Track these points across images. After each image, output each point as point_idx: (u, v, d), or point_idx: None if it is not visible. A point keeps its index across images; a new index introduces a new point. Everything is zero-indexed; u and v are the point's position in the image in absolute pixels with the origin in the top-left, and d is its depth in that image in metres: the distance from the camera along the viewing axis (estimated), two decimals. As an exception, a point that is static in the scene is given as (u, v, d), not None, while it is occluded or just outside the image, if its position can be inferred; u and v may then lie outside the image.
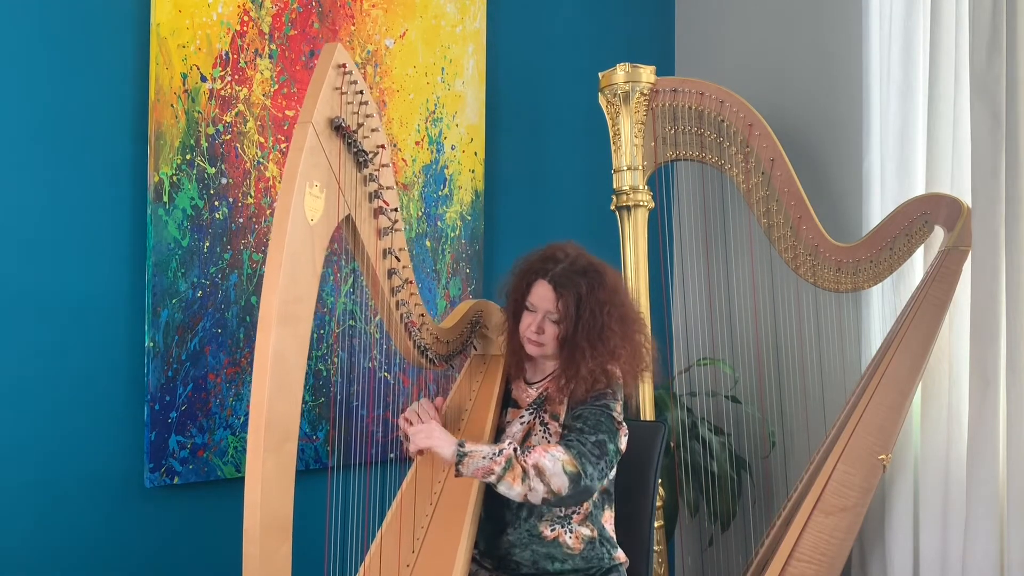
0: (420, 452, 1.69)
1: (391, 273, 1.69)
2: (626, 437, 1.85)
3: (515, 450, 1.67)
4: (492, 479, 1.65)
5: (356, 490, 1.80)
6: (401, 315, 1.76)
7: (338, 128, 1.45)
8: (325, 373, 2.47)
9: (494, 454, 1.65)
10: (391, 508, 1.82)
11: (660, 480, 2.22)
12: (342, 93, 1.46)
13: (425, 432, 1.66)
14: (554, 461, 1.67)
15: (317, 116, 1.40)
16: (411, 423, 1.85)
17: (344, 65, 1.45)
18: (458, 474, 1.65)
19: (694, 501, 2.87)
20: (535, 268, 1.88)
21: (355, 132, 1.49)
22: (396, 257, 1.67)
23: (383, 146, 1.58)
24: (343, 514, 1.75)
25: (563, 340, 1.85)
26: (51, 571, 2.08)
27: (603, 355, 1.81)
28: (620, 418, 1.83)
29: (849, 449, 2.41)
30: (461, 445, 1.65)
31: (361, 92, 1.49)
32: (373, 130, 1.55)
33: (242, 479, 2.34)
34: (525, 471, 1.65)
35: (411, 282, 1.75)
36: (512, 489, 1.65)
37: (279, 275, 1.33)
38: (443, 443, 1.65)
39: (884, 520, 2.64)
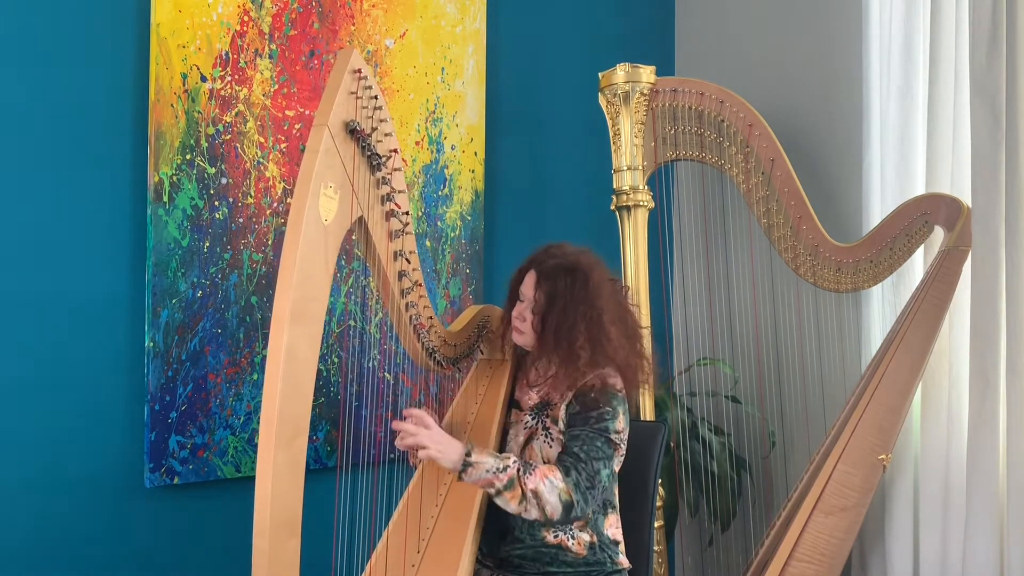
0: (416, 450, 1.68)
1: (401, 275, 1.71)
2: (622, 457, 1.86)
3: (519, 470, 1.69)
4: (491, 491, 1.69)
5: (355, 490, 1.80)
6: (410, 317, 1.78)
7: (353, 132, 1.48)
8: (325, 373, 2.47)
9: (498, 469, 1.68)
10: (397, 508, 1.82)
11: (660, 480, 2.22)
12: (357, 98, 1.49)
13: (428, 437, 1.66)
14: (551, 490, 1.71)
15: (333, 119, 1.44)
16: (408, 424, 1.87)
17: (360, 71, 1.49)
18: (460, 479, 1.67)
19: (694, 501, 2.87)
20: (532, 258, 1.94)
21: (369, 136, 1.52)
22: (407, 259, 1.70)
23: (396, 150, 1.60)
24: (343, 514, 1.75)
25: (537, 330, 1.88)
26: (51, 571, 2.08)
27: (564, 351, 1.83)
28: (619, 439, 1.83)
29: (849, 449, 2.41)
30: (468, 454, 1.67)
31: (376, 97, 1.53)
32: (386, 135, 1.58)
33: (242, 479, 2.35)
34: (524, 494, 1.69)
35: (420, 284, 1.77)
36: (508, 505, 1.70)
37: (293, 274, 1.36)
38: (448, 450, 1.66)
39: (884, 520, 2.64)
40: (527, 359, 2.03)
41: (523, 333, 1.91)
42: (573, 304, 1.83)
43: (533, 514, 1.70)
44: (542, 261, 1.90)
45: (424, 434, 1.66)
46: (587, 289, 1.85)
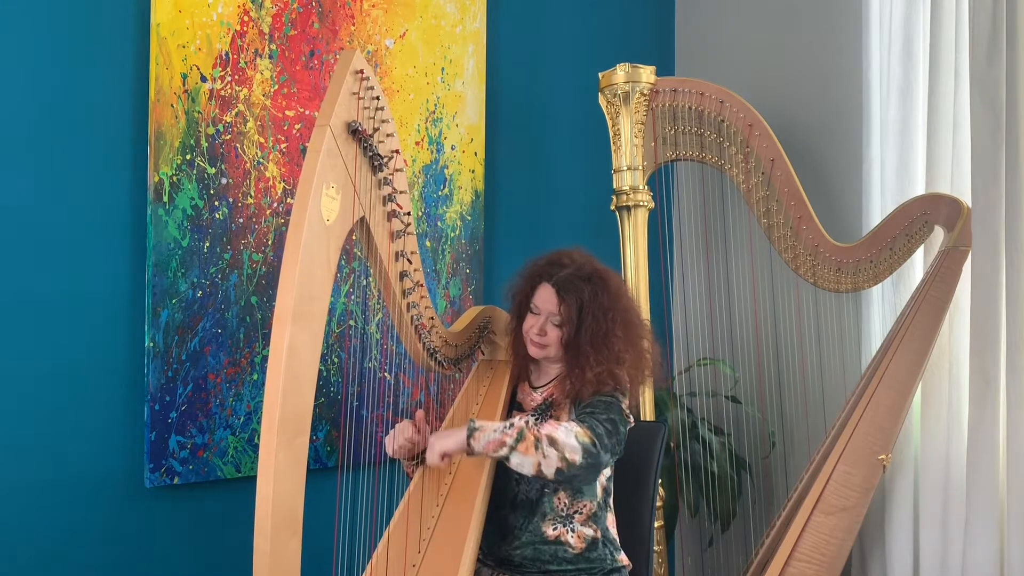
0: (444, 457, 1.67)
1: (403, 275, 1.71)
2: (625, 436, 1.85)
3: (526, 423, 1.67)
4: (504, 451, 1.64)
5: (355, 490, 1.80)
6: (412, 317, 1.78)
7: (355, 132, 1.49)
8: (325, 373, 2.47)
9: (505, 427, 1.66)
10: (398, 508, 1.82)
11: (660, 480, 2.22)
12: (359, 98, 1.50)
13: (434, 441, 1.67)
14: (567, 432, 1.66)
15: (335, 120, 1.44)
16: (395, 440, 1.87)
17: (362, 71, 1.49)
18: (471, 452, 1.65)
19: (694, 501, 2.87)
20: (540, 271, 1.91)
21: (371, 136, 1.52)
22: (408, 260, 1.70)
23: (397, 151, 1.61)
24: (343, 514, 1.75)
25: (567, 344, 1.86)
26: (51, 571, 2.08)
27: (608, 359, 1.83)
28: (626, 414, 1.84)
29: (849, 449, 2.41)
30: (472, 422, 1.66)
31: (377, 98, 1.53)
32: (388, 135, 1.58)
33: (242, 479, 2.35)
34: (538, 439, 1.64)
35: (421, 285, 1.78)
36: (525, 459, 1.63)
37: (295, 273, 1.36)
38: (450, 440, 1.66)
39: (884, 520, 2.64)
40: (531, 362, 2.02)
41: (545, 347, 1.89)
42: (603, 312, 1.83)
43: (553, 459, 1.62)
44: (554, 273, 1.87)
45: (431, 442, 1.67)
46: (610, 294, 1.85)
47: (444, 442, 1.66)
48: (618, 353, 1.83)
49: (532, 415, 1.94)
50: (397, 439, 1.84)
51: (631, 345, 1.86)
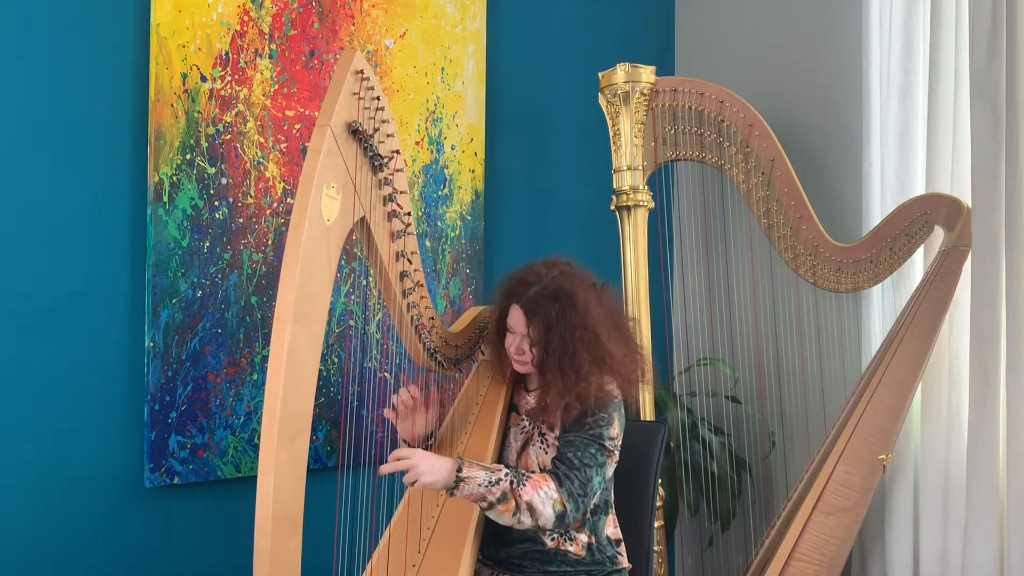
0: (411, 483, 1.65)
1: (403, 276, 1.71)
2: (615, 464, 1.86)
3: (512, 483, 1.68)
4: (483, 505, 1.68)
5: (355, 490, 1.80)
6: (412, 317, 1.78)
7: (355, 132, 1.49)
8: (325, 373, 2.47)
9: (491, 483, 1.66)
10: (398, 508, 1.82)
11: (660, 480, 2.22)
12: (360, 99, 1.50)
13: (412, 470, 1.62)
14: (545, 501, 1.70)
15: (335, 120, 1.45)
16: (397, 413, 1.90)
17: (362, 71, 1.50)
18: (451, 496, 1.66)
19: (694, 501, 2.87)
20: (510, 291, 1.90)
21: (371, 136, 1.53)
22: (408, 260, 1.70)
23: (398, 151, 1.61)
24: (343, 514, 1.75)
25: (538, 365, 1.86)
26: (51, 571, 2.08)
27: (574, 383, 1.81)
28: (613, 445, 1.83)
29: (849, 449, 2.41)
30: (459, 470, 1.64)
31: (378, 98, 1.53)
32: (389, 135, 1.58)
33: (242, 479, 2.35)
34: (518, 506, 1.68)
35: (422, 285, 1.77)
36: (501, 517, 1.69)
37: (295, 273, 1.37)
38: (435, 474, 1.62)
39: (884, 520, 2.64)
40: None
41: (527, 363, 1.89)
42: (569, 331, 1.82)
43: (526, 524, 1.70)
44: (522, 293, 1.86)
45: (413, 462, 1.62)
46: (576, 312, 1.82)
47: (430, 478, 1.62)
48: (585, 375, 1.81)
49: (526, 418, 1.93)
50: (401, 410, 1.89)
51: (599, 362, 1.83)
